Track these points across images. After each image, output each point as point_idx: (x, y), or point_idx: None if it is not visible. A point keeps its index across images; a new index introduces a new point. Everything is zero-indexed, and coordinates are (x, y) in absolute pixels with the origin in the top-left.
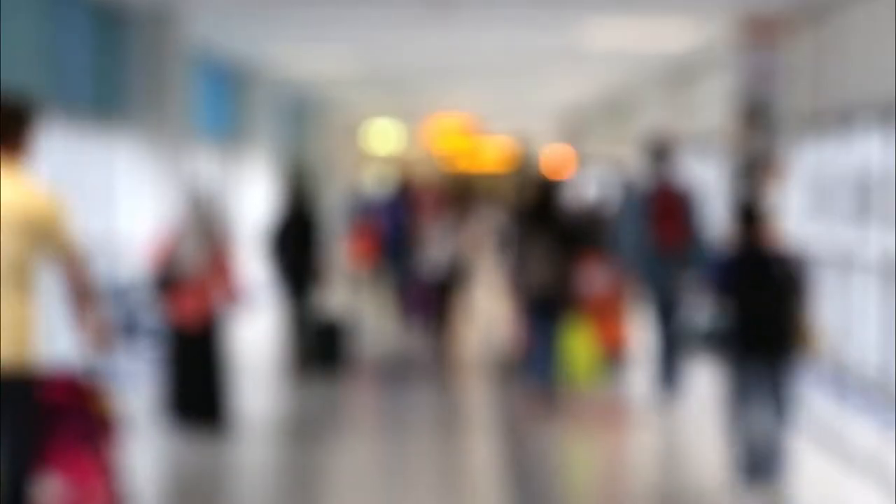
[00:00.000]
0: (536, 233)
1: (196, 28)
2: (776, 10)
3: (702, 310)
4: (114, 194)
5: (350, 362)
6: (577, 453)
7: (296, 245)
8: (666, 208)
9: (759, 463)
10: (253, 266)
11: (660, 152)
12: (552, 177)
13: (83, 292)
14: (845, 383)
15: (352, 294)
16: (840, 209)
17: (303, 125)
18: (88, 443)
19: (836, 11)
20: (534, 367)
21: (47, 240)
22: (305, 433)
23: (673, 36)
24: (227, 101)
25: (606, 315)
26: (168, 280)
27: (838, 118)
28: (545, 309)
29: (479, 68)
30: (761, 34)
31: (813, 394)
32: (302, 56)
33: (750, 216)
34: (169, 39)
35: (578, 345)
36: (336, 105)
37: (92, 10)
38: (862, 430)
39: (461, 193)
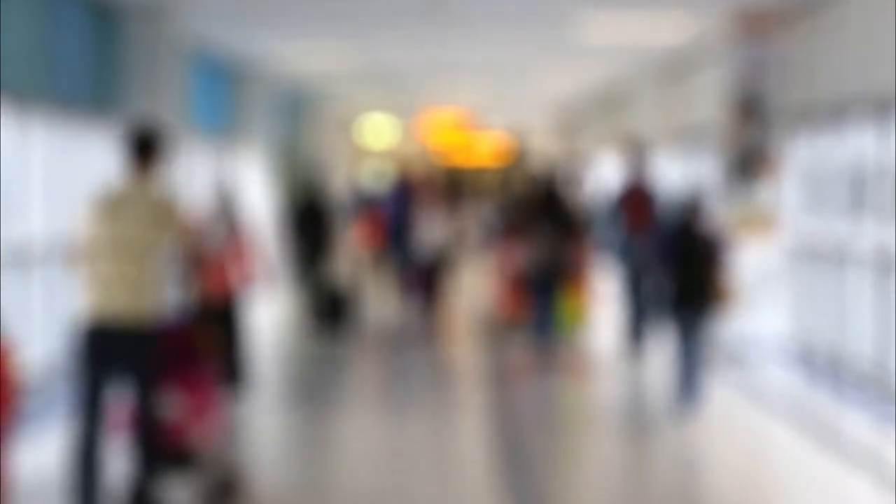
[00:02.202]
0: (538, 220)
1: (191, 23)
2: (770, 4)
3: (663, 281)
4: None
5: (355, 325)
6: (564, 393)
7: (310, 228)
8: (636, 201)
9: (686, 387)
10: (262, 250)
11: (634, 153)
12: (547, 171)
13: (190, 264)
14: (840, 377)
15: (356, 272)
16: (834, 203)
17: (298, 120)
18: (198, 367)
19: (830, 4)
20: (535, 327)
21: (168, 228)
22: (316, 390)
23: (667, 30)
24: (223, 96)
25: (587, 285)
26: (193, 260)
27: (832, 111)
28: (545, 281)
29: (473, 63)
30: (755, 27)
31: (809, 388)
32: (297, 51)
33: (690, 206)
34: (164, 35)
35: (570, 309)
36: (331, 100)
37: (87, 5)
38: (858, 424)
39: (451, 187)
